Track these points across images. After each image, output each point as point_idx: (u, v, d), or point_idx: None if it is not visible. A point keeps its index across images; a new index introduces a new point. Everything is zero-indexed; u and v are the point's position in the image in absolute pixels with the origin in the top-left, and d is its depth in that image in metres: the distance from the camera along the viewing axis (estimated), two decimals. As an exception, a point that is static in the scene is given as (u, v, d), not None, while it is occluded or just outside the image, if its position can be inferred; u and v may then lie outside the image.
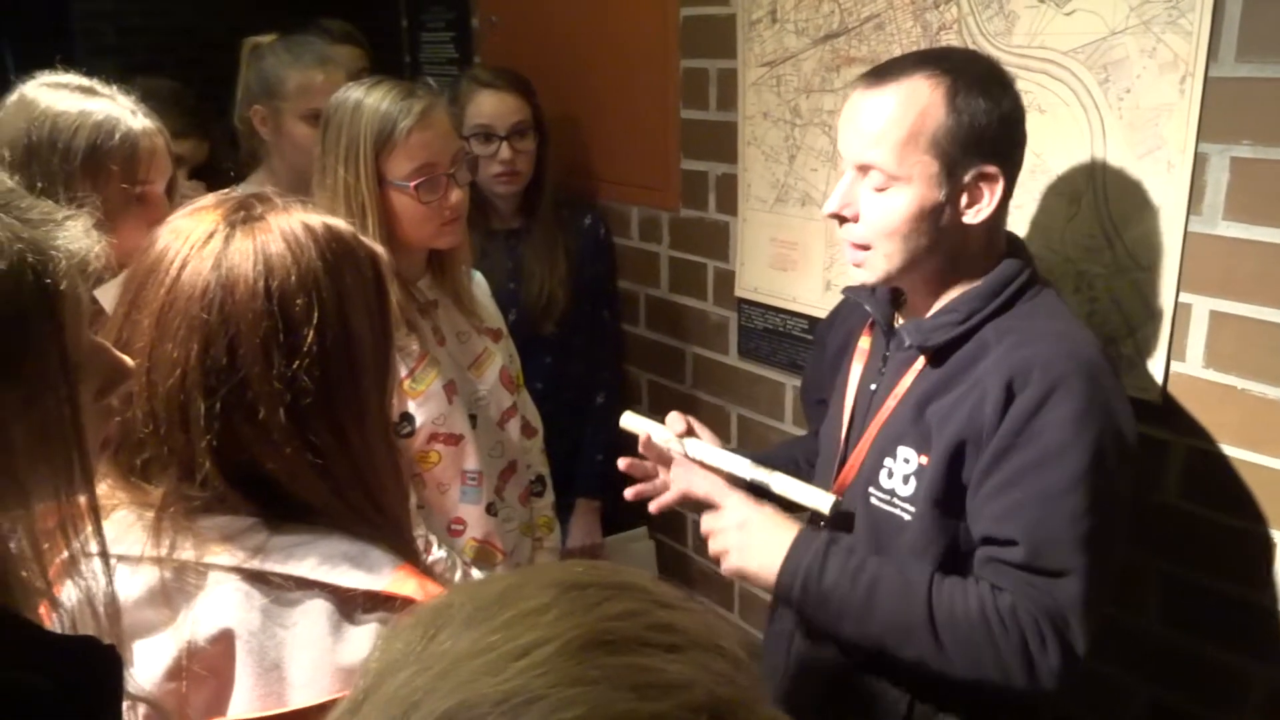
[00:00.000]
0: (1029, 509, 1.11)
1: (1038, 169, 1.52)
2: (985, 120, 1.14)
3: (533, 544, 1.90)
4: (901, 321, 1.30)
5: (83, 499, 0.69)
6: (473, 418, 1.73)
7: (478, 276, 1.86)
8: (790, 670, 1.36)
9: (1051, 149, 1.50)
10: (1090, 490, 1.09)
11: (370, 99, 1.59)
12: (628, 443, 2.44)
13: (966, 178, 1.16)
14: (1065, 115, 1.48)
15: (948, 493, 1.18)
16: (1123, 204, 1.43)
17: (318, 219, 0.89)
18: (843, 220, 1.23)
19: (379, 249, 0.93)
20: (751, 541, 1.24)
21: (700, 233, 2.16)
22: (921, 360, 1.25)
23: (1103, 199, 1.45)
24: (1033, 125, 1.49)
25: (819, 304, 1.91)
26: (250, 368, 0.82)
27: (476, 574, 1.68)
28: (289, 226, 0.86)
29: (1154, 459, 1.43)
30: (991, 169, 1.16)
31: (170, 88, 2.43)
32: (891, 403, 1.26)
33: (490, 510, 1.75)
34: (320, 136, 1.63)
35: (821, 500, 1.28)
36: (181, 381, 0.82)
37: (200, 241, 0.85)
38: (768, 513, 1.26)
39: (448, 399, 1.68)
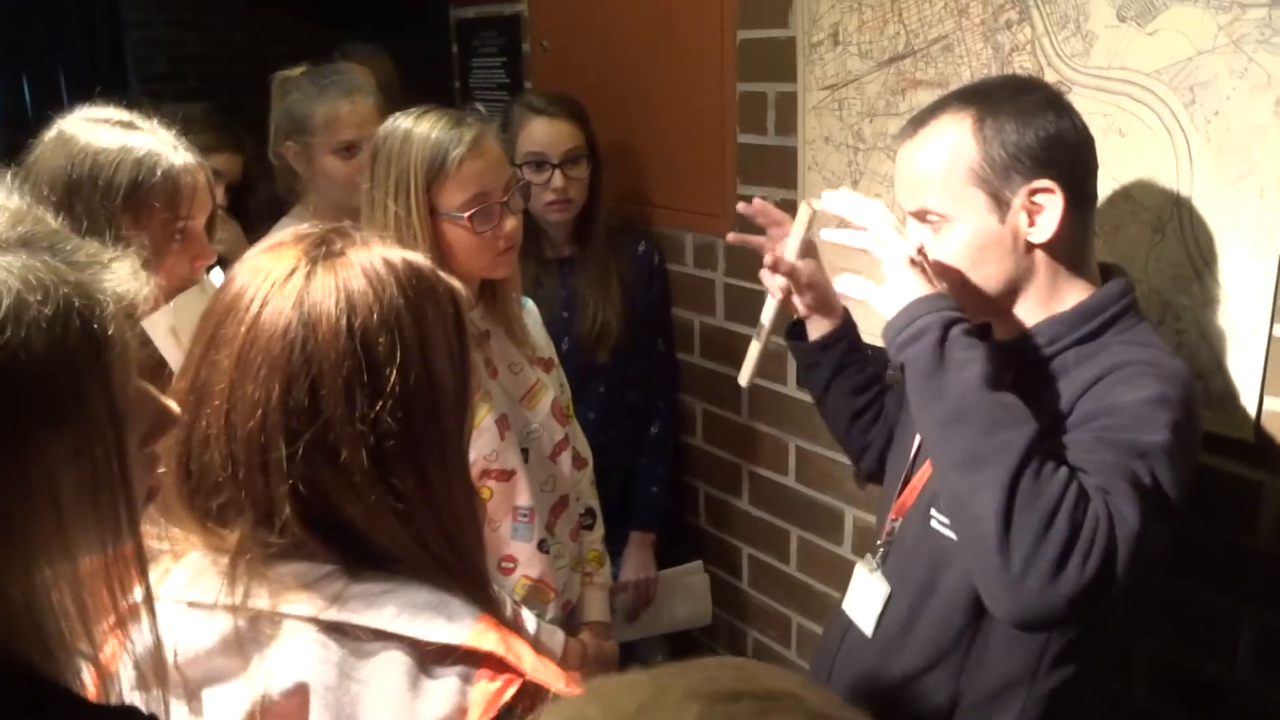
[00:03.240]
0: (1110, 455, 1.03)
1: (1119, 195, 1.46)
2: (1020, 140, 1.14)
3: (583, 579, 1.86)
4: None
5: (128, 548, 0.66)
6: (525, 451, 1.69)
7: (529, 305, 1.83)
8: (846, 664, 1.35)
9: (1134, 174, 1.44)
10: (1163, 462, 1.03)
11: (419, 129, 1.55)
12: (684, 474, 2.40)
13: (1017, 199, 1.15)
14: (1148, 139, 1.42)
15: None
16: (1212, 232, 1.37)
17: (397, 254, 0.86)
18: None
19: (457, 284, 0.90)
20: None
21: (757, 260, 2.10)
22: None
23: (1190, 227, 1.39)
24: (1114, 149, 1.45)
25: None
26: (333, 409, 0.79)
27: (527, 614, 1.63)
28: (370, 262, 0.83)
29: (1246, 501, 1.37)
30: (1043, 183, 1.14)
31: (200, 107, 2.45)
32: None
33: (542, 547, 1.70)
34: (369, 169, 1.60)
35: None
36: (262, 423, 0.79)
37: (281, 279, 0.82)
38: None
39: (500, 434, 1.64)
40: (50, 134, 1.36)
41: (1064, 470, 1.01)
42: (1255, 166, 1.32)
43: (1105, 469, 1.02)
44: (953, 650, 1.21)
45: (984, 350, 1.07)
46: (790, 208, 1.99)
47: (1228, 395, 1.37)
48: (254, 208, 2.38)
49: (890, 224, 1.17)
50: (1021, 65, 1.55)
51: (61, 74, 3.71)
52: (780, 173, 2.00)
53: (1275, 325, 1.32)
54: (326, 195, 2.05)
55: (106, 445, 0.64)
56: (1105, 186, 1.46)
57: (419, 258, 0.88)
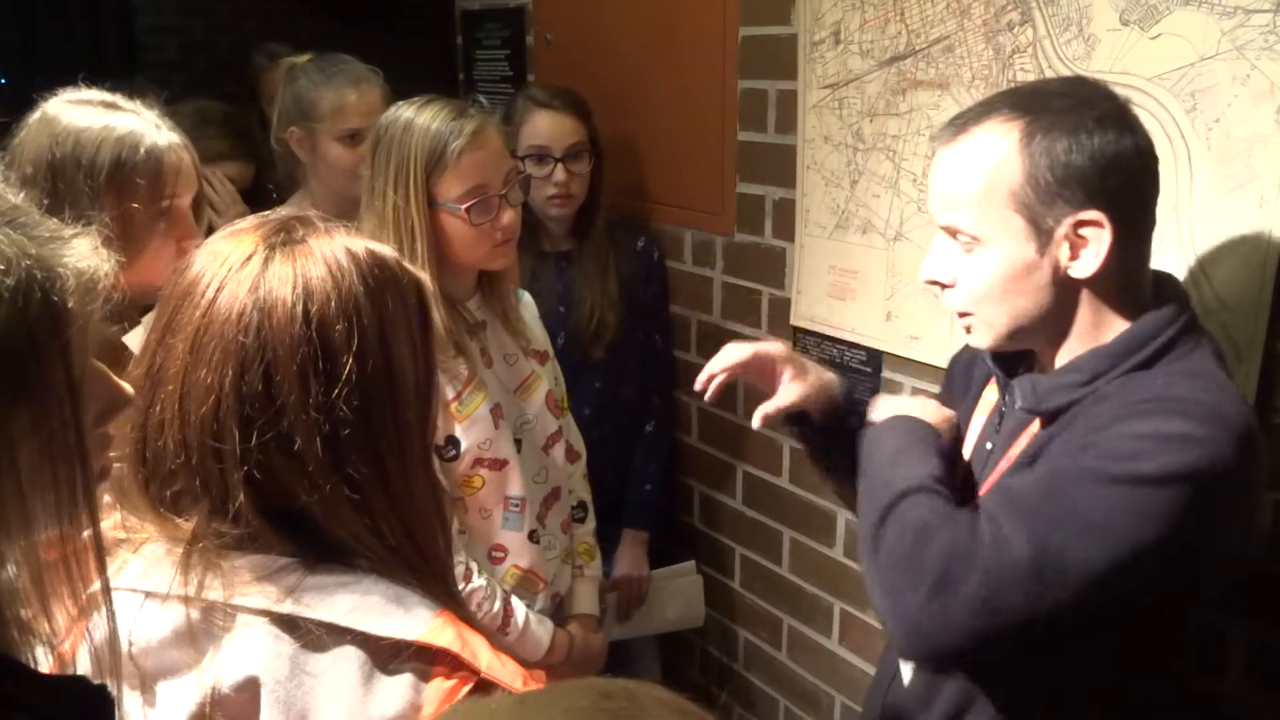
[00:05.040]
0: (1037, 477, 0.99)
1: (1117, 201, 1.44)
2: (1070, 161, 1.01)
3: (573, 572, 1.86)
4: (1020, 375, 1.16)
5: (86, 533, 0.66)
6: (518, 442, 1.69)
7: (526, 297, 1.83)
8: (888, 713, 1.30)
9: (1133, 180, 1.42)
10: (1129, 494, 0.93)
11: (421, 119, 1.55)
12: (678, 472, 2.38)
13: (1061, 229, 1.03)
14: (1148, 145, 1.40)
15: None
16: (1210, 241, 1.34)
17: (360, 244, 0.85)
18: (942, 286, 1.13)
19: (423, 276, 0.89)
20: None
21: (755, 258, 2.10)
22: (1037, 423, 1.12)
23: (1187, 235, 1.37)
24: (1113, 155, 1.43)
25: (879, 335, 1.84)
26: (287, 395, 0.78)
27: (516, 602, 1.64)
28: (330, 251, 0.82)
29: (1239, 512, 1.34)
30: (1092, 215, 1.02)
31: (221, 110, 2.44)
32: (1004, 465, 1.15)
33: (532, 538, 1.71)
34: (369, 158, 1.60)
35: None
36: (215, 409, 0.79)
37: (238, 264, 0.81)
38: None
39: (494, 423, 1.64)
40: (34, 116, 1.36)
41: (935, 500, 1.03)
42: (1255, 175, 1.29)
43: (1016, 494, 0.99)
44: (982, 699, 1.14)
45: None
46: (789, 207, 1.98)
47: (1221, 407, 1.34)
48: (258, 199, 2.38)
49: None
50: (1022, 67, 1.53)
51: (71, 61, 3.71)
52: (779, 171, 1.98)
53: (1272, 338, 1.29)
54: (328, 183, 2.04)
55: (64, 418, 0.65)
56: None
57: (384, 248, 0.87)
